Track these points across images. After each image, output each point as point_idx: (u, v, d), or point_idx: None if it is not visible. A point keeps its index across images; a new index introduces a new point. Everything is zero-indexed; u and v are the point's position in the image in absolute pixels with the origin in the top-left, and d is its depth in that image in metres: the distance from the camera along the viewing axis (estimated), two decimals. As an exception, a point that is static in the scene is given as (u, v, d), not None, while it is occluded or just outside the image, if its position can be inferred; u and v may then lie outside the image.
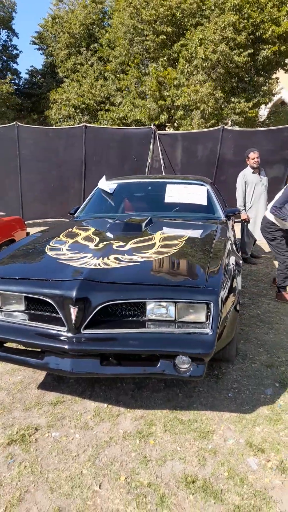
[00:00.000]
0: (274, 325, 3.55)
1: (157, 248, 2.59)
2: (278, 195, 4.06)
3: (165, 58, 12.04)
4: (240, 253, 3.87)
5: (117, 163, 8.81)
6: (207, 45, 10.57)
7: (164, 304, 2.08)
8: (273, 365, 2.82)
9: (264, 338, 3.29)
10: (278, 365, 2.83)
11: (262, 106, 12.75)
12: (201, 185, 4.11)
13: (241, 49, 10.66)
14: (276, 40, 11.60)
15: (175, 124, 12.23)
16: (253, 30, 11.08)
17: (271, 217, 4.14)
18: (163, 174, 8.33)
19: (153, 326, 2.08)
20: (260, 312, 3.86)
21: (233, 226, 4.72)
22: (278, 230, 4.13)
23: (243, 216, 5.50)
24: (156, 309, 2.10)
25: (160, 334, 2.03)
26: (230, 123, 11.36)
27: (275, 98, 34.82)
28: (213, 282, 2.10)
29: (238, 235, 5.86)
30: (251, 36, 11.15)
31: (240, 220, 5.65)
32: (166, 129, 12.73)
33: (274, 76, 13.12)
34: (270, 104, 15.17)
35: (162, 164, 8.52)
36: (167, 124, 12.68)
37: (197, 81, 11.04)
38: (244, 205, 5.57)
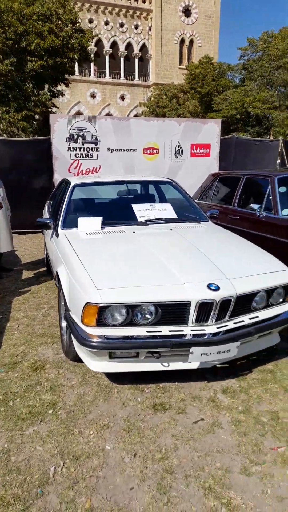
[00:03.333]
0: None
1: None
2: None
3: None
4: None
5: None
6: None
7: None
8: None
9: None
10: None
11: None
12: None
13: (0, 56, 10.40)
14: (43, 53, 11.81)
15: None
16: (17, 39, 10.99)
17: None
18: None
19: None
20: None
21: None
22: None
23: None
24: None
25: None
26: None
27: (73, 110, 35.76)
28: None
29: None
30: (15, 45, 11.03)
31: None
32: None
33: (58, 88, 13.33)
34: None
35: None
36: None
37: None
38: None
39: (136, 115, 35.53)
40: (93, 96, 37.29)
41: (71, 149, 7.74)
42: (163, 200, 4.42)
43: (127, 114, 37.20)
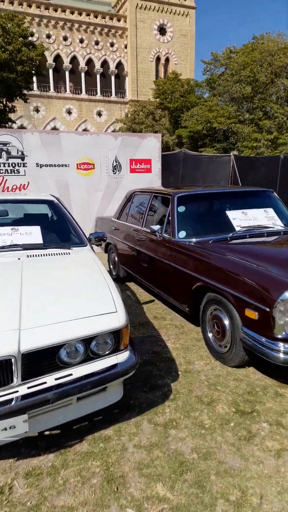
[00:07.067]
0: None
1: None
2: None
3: None
4: None
5: None
6: None
7: None
8: None
9: None
10: None
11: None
12: None
13: None
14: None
15: None
16: None
17: None
18: None
19: None
20: None
21: None
22: None
23: None
24: None
25: None
26: None
27: (48, 126, 35.56)
28: None
29: None
30: None
31: None
32: None
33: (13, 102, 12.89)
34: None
35: None
36: None
37: None
38: None
39: (113, 131, 35.41)
40: (69, 112, 37.15)
41: (-5, 164, 7.21)
42: (41, 222, 3.87)
43: (104, 130, 37.09)
